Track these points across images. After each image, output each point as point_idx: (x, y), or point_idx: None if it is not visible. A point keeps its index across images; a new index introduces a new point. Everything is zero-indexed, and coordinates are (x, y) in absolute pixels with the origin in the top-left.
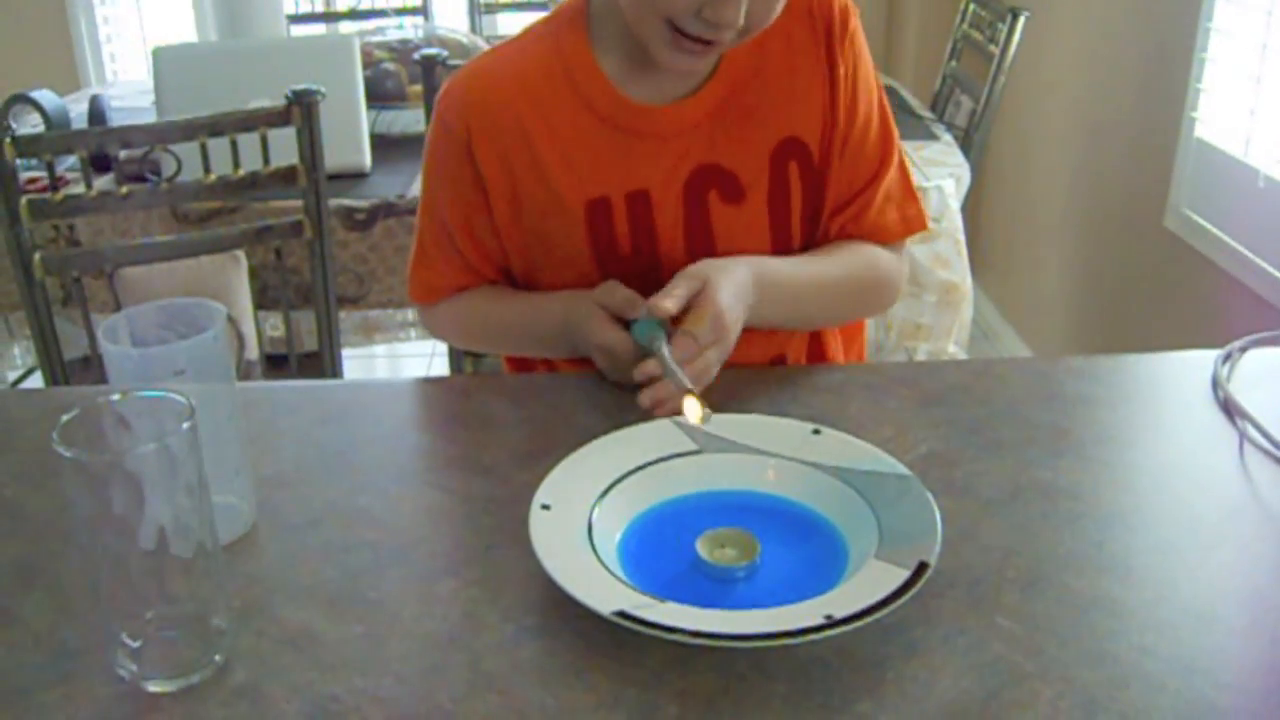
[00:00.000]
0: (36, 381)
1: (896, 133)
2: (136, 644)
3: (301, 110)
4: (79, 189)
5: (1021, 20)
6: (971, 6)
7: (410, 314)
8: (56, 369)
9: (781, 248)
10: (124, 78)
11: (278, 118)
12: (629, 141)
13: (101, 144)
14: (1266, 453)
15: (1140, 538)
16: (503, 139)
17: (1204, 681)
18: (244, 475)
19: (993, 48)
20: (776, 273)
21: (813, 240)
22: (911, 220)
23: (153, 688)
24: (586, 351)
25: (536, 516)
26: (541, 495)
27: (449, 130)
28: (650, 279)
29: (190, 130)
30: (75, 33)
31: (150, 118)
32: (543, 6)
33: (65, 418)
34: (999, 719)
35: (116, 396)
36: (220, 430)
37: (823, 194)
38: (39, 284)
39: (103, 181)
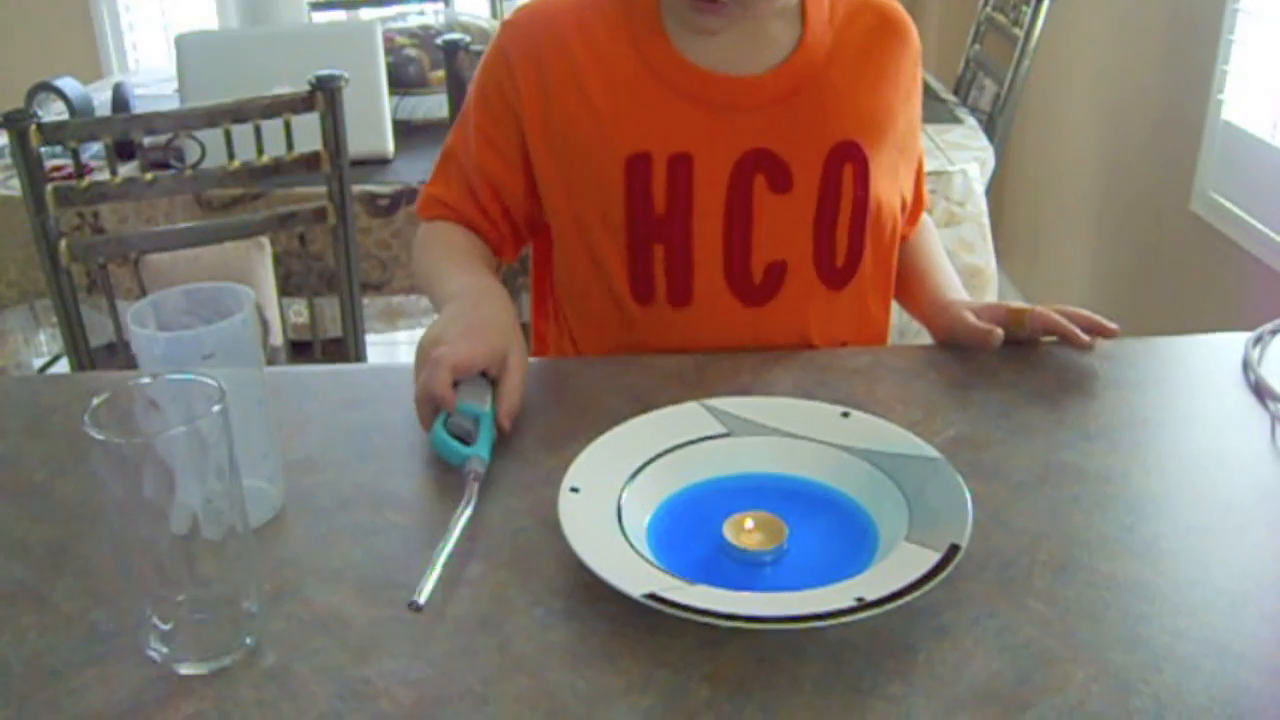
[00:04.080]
0: (63, 368)
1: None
2: (168, 626)
3: (325, 96)
4: (103, 176)
5: (1046, 3)
6: None
7: None
8: (83, 355)
9: (823, 247)
10: (145, 65)
11: (301, 104)
12: (680, 103)
13: (126, 130)
14: None
15: (1171, 521)
16: (551, 73)
17: (1237, 664)
18: (272, 459)
19: (1017, 31)
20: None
21: (858, 245)
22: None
23: (184, 670)
24: (421, 357)
25: (566, 499)
26: (571, 478)
27: (502, 53)
28: (679, 245)
29: (214, 117)
30: (97, 21)
31: (173, 105)
32: None
33: (96, 401)
34: (1031, 702)
35: (147, 380)
36: (249, 414)
37: (868, 201)
38: (65, 270)
39: (127, 169)
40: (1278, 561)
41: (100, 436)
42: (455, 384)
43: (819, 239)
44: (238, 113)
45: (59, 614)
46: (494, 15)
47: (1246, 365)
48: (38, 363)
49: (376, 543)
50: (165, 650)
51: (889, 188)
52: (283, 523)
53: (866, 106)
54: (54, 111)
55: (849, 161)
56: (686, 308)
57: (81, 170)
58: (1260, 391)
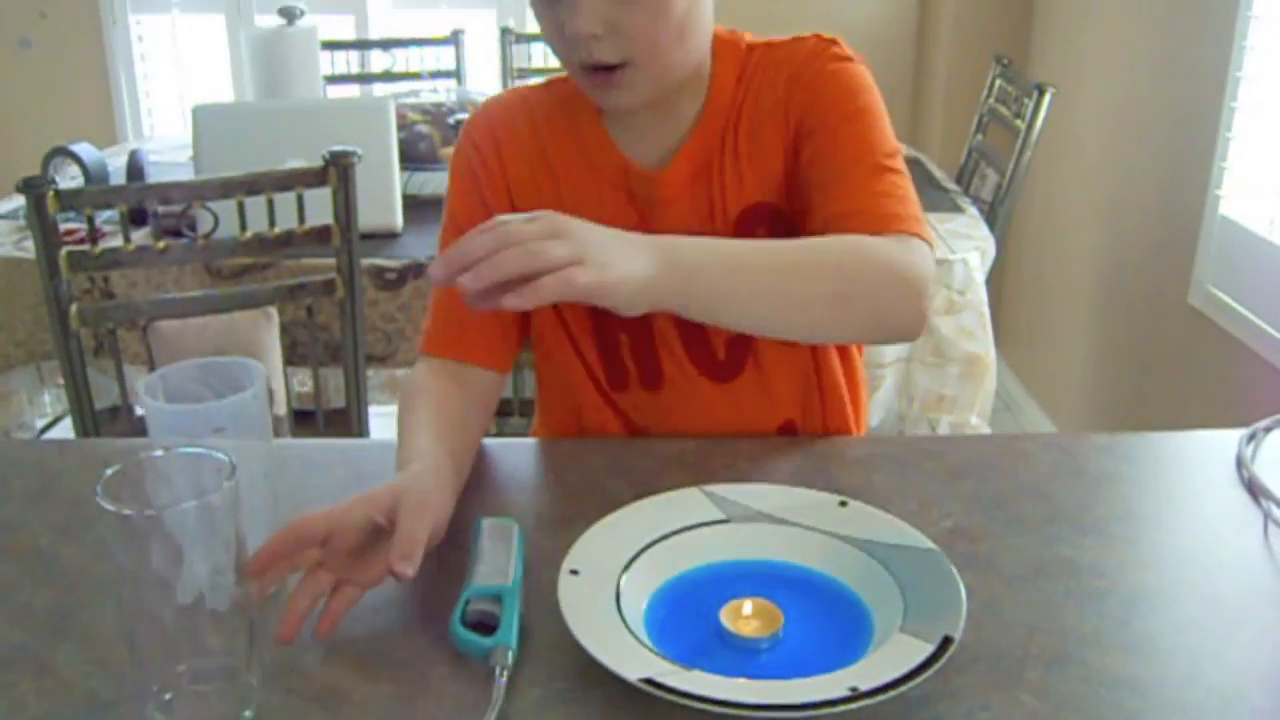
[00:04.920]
0: (65, 429)
1: (889, 139)
2: (168, 696)
3: (338, 171)
4: (116, 241)
5: (1048, 96)
6: (999, 82)
7: None
8: (87, 419)
9: None
10: (160, 132)
11: (314, 178)
12: (617, 196)
13: (141, 199)
14: None
15: (1164, 617)
16: (512, 169)
17: None
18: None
19: (1019, 123)
20: (690, 239)
21: None
22: (911, 221)
23: None
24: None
25: (566, 581)
26: (570, 561)
27: (468, 152)
28: (640, 332)
29: (228, 188)
30: (115, 89)
31: (186, 172)
32: None
33: (109, 472)
34: None
35: (160, 452)
36: (255, 487)
37: None
38: (74, 335)
39: (140, 235)
40: (1270, 660)
41: (111, 508)
42: (477, 559)
43: None
44: (252, 185)
45: (59, 680)
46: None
47: (1240, 462)
48: (40, 423)
49: (376, 620)
50: None
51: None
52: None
53: (769, 168)
54: (69, 175)
55: (761, 225)
56: (660, 391)
57: (95, 234)
58: (1253, 489)
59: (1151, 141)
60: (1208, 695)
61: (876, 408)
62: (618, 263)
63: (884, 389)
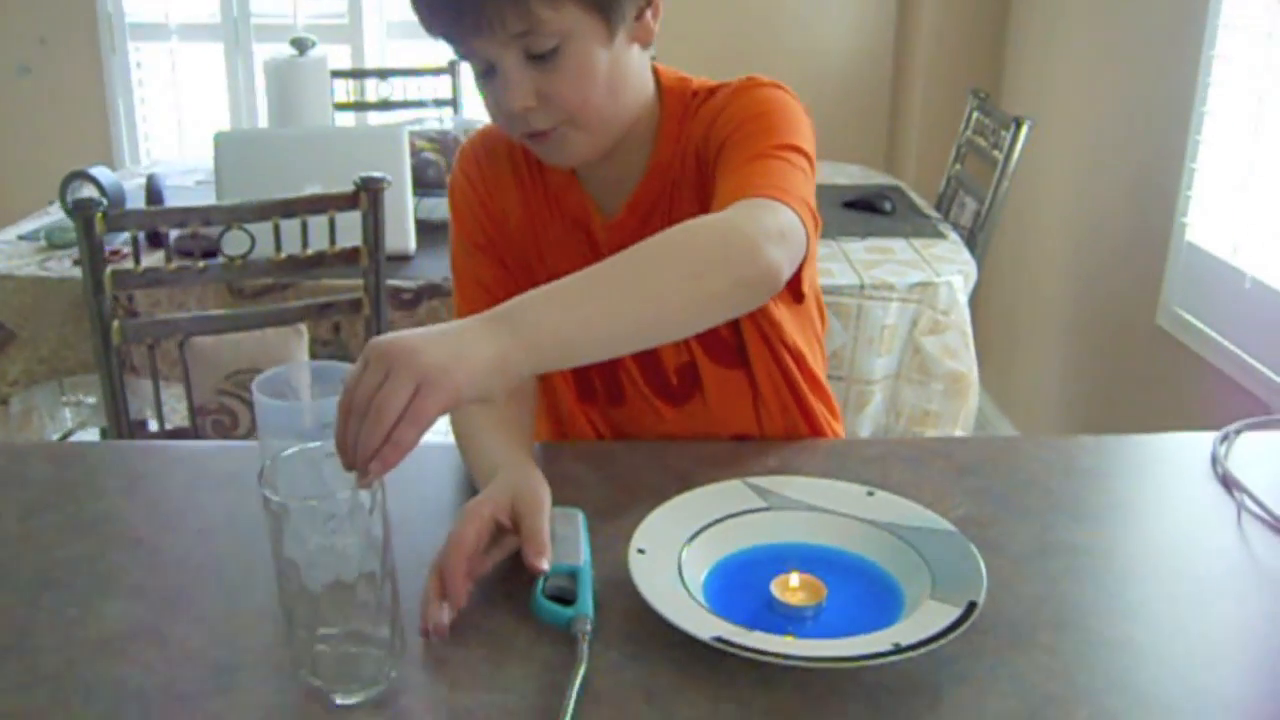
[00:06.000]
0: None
1: (784, 137)
2: (322, 661)
3: (368, 197)
4: (130, 264)
5: (1025, 129)
6: (975, 115)
7: None
8: (124, 430)
9: (711, 346)
10: (156, 158)
11: (346, 202)
12: (578, 233)
13: (184, 221)
14: (1261, 520)
15: (1152, 589)
16: (497, 198)
17: (1214, 706)
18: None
19: (997, 154)
20: (528, 294)
21: (748, 342)
22: (770, 188)
23: (339, 699)
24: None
25: (634, 559)
26: (637, 541)
27: (463, 175)
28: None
29: (265, 211)
30: (113, 115)
31: (194, 196)
32: None
33: (266, 463)
34: None
35: (316, 444)
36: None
37: None
38: (115, 350)
39: (153, 258)
40: (1244, 624)
41: (275, 499)
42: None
43: (704, 340)
44: (287, 208)
45: (181, 649)
46: None
47: (1215, 460)
48: (55, 439)
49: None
50: (319, 682)
51: None
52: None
53: (710, 206)
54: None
55: None
56: (622, 407)
57: (137, 254)
58: (1228, 483)
59: (1121, 172)
60: (1191, 653)
61: (865, 421)
62: (458, 359)
63: (873, 404)
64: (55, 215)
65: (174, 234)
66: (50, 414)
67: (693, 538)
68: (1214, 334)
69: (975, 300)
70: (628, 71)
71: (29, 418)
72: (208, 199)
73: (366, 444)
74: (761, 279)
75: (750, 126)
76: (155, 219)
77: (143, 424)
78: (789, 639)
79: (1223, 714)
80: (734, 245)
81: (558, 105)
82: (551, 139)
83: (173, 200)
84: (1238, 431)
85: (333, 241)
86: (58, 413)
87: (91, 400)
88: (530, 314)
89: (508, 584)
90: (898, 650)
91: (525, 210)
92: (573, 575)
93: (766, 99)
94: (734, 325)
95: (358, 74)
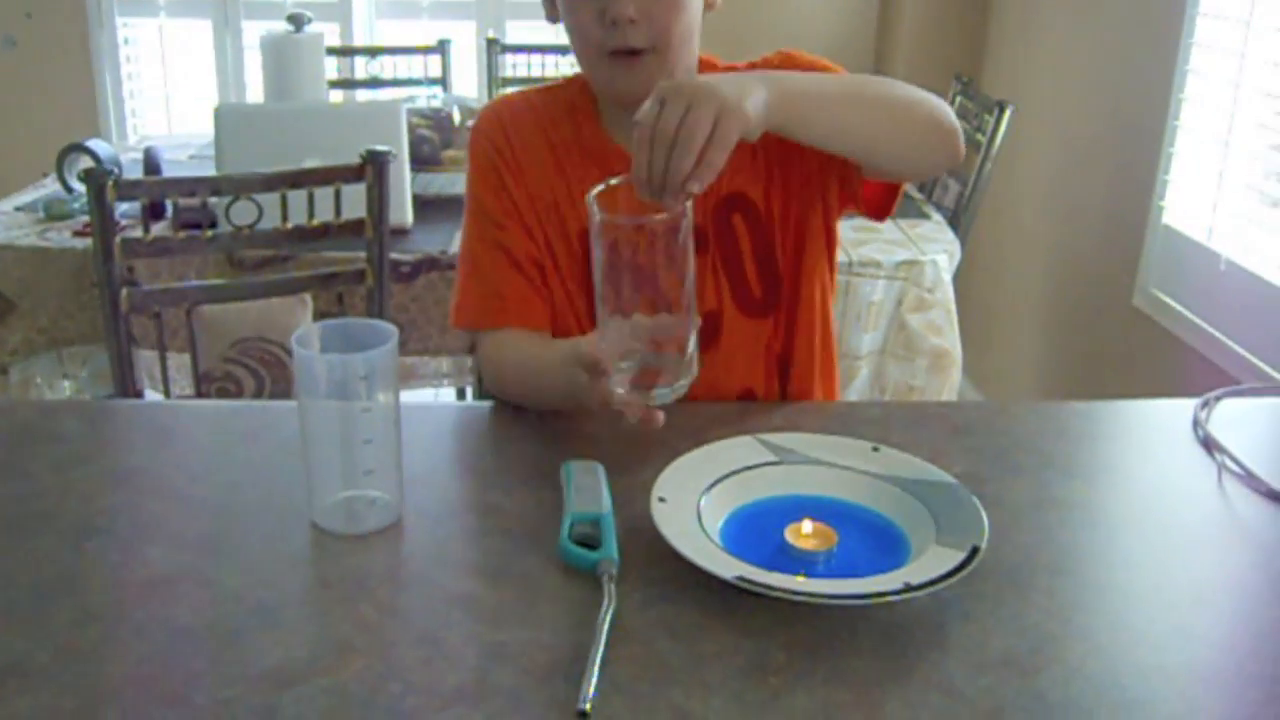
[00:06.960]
0: None
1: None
2: (625, 364)
3: (374, 169)
4: (136, 233)
5: (1008, 113)
6: (959, 98)
7: (445, 363)
8: (130, 394)
9: (741, 295)
10: (145, 133)
11: (352, 174)
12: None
13: (193, 191)
14: (1240, 478)
15: (1140, 540)
16: (520, 159)
17: (1199, 644)
18: (397, 472)
19: (980, 137)
20: (787, 74)
21: (776, 289)
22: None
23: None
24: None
25: (656, 507)
26: (658, 490)
27: (481, 147)
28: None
29: (272, 183)
30: (100, 90)
31: (188, 170)
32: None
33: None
34: (1040, 667)
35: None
36: (388, 431)
37: (772, 242)
38: (124, 317)
39: (158, 228)
40: (1224, 572)
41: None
42: (573, 492)
43: (734, 287)
44: (295, 179)
45: (226, 590)
46: (489, 98)
47: (1196, 424)
48: None
49: (488, 543)
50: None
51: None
52: (401, 528)
53: (739, 160)
54: (82, 170)
55: (736, 211)
56: None
57: (146, 223)
58: (1208, 445)
59: (1100, 157)
60: (1178, 596)
61: (851, 396)
62: (743, 95)
63: (859, 379)
64: (51, 188)
65: (175, 205)
66: (49, 384)
67: (709, 488)
68: (1189, 314)
69: (956, 281)
70: (696, 23)
71: (27, 389)
72: (204, 173)
73: (678, 168)
74: (956, 155)
75: (821, 67)
76: (166, 188)
77: (141, 395)
78: (802, 577)
79: (1206, 649)
80: (949, 118)
81: (655, 25)
82: (639, 63)
83: (170, 174)
84: (1218, 398)
85: (338, 213)
86: (56, 383)
87: (85, 374)
88: (787, 81)
89: (536, 532)
90: (909, 589)
91: (558, 168)
92: (596, 522)
93: (824, 60)
94: (773, 274)
95: (347, 51)
